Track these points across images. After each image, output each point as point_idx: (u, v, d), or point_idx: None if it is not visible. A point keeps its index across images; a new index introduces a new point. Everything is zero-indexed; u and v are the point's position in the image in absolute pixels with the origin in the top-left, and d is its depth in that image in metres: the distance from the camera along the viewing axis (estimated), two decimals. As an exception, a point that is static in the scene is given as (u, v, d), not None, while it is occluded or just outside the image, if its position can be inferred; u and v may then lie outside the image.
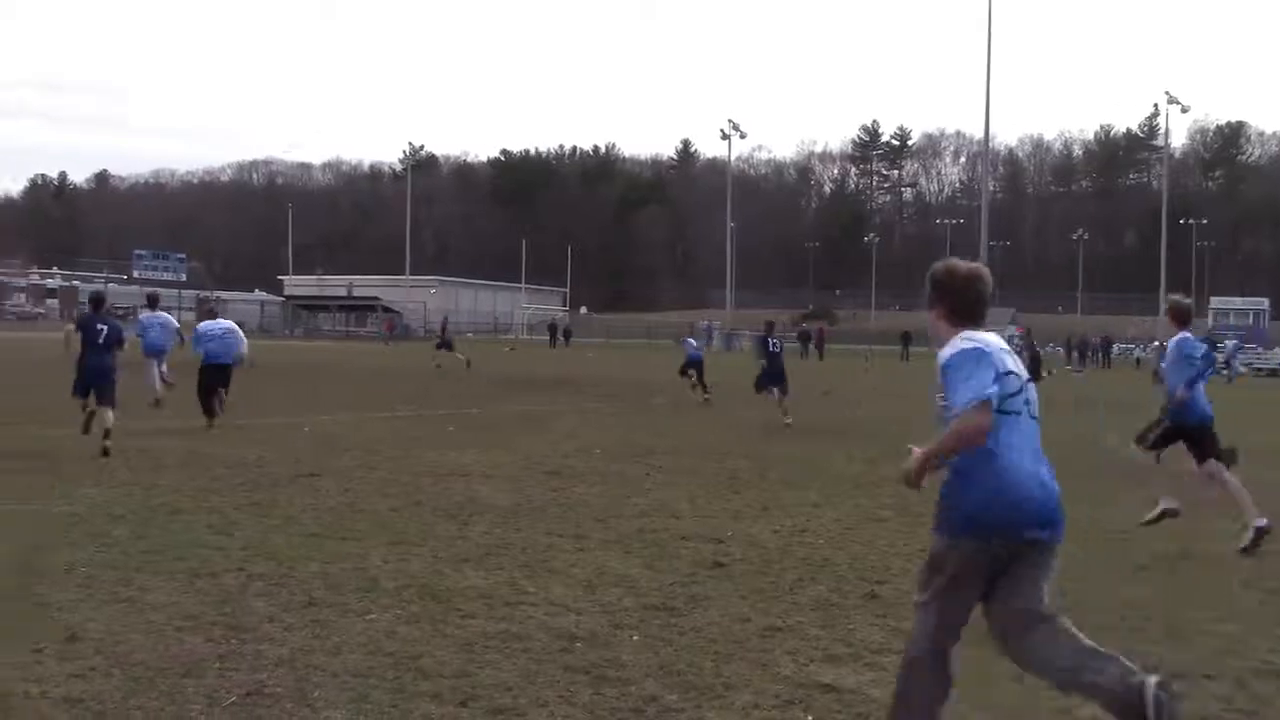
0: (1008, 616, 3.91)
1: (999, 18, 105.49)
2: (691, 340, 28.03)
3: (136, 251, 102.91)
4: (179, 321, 20.27)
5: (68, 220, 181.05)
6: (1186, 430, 8.78)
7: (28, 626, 5.49)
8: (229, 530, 8.06)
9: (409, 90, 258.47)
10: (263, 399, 21.07)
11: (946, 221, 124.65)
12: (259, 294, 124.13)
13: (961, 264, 4.25)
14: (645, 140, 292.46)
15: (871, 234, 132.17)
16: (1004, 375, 3.86)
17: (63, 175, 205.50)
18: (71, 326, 13.31)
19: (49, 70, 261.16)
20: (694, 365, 25.33)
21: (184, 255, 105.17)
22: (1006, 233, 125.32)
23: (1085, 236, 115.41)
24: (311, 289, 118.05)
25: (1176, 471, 9.07)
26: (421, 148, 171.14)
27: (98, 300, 13.92)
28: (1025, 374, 4.03)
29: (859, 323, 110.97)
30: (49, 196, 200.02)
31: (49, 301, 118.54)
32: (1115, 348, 67.00)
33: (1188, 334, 8.91)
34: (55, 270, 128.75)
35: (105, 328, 12.90)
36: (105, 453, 11.92)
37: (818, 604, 6.39)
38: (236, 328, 16.62)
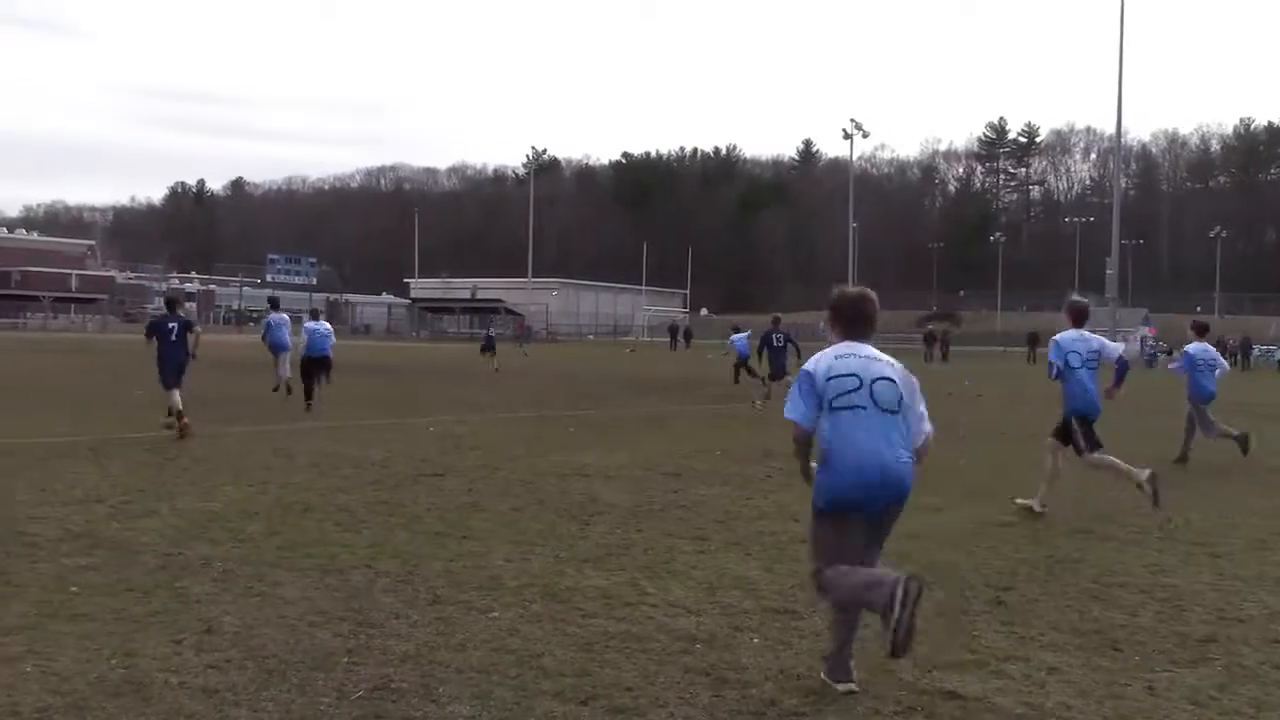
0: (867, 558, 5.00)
1: (1132, 8, 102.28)
2: (739, 336, 27.00)
3: (270, 256, 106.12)
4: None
5: (205, 226, 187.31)
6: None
7: (169, 618, 5.70)
8: (357, 528, 8.26)
9: (532, 95, 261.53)
10: (389, 400, 21.54)
11: (1076, 220, 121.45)
12: (386, 297, 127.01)
13: (850, 290, 5.33)
14: (766, 141, 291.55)
15: (997, 233, 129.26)
16: (836, 378, 4.93)
17: (201, 182, 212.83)
18: (150, 338, 15.18)
19: (188, 80, 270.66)
20: (746, 362, 24.76)
21: (314, 259, 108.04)
22: (1140, 231, 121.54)
23: (1223, 234, 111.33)
24: (436, 292, 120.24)
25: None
26: (544, 151, 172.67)
27: (171, 302, 16.81)
28: (872, 375, 4.95)
29: (984, 324, 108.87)
30: (188, 203, 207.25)
31: (188, 305, 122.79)
32: (1255, 349, 64.54)
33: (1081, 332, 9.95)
34: (193, 274, 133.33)
35: (175, 325, 15.04)
36: (182, 432, 13.77)
37: (940, 610, 6.29)
38: (331, 329, 19.52)
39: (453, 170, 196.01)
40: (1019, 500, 9.87)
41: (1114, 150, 79.16)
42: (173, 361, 14.70)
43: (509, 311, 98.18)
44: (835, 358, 5.04)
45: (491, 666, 5.05)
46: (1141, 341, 75.49)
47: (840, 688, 4.87)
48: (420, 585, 6.52)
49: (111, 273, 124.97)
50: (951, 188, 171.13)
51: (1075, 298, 10.49)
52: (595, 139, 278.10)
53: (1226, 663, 5.43)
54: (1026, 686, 4.99)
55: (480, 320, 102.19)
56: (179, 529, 8.06)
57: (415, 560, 7.17)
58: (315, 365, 18.49)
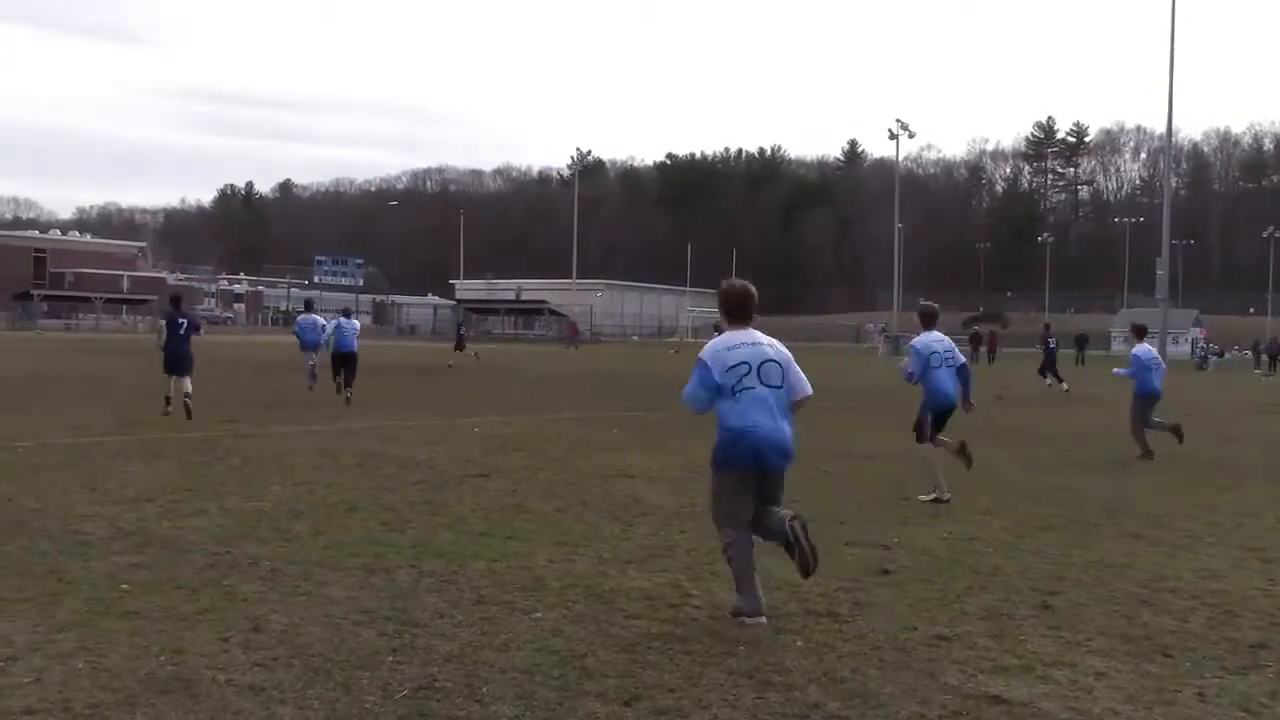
0: (757, 508, 6.11)
1: (1184, 6, 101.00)
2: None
3: (317, 257, 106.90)
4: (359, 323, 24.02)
5: (254, 227, 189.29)
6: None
7: (217, 616, 5.77)
8: (402, 528, 8.31)
9: (578, 96, 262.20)
10: (433, 401, 21.66)
11: (1125, 220, 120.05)
12: (431, 298, 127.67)
13: (735, 285, 6.37)
14: (811, 142, 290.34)
15: (1045, 234, 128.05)
16: (732, 368, 6.05)
17: (249, 184, 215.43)
18: (161, 322, 17.16)
19: (237, 84, 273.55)
20: None
21: (361, 261, 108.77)
22: (1191, 231, 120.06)
23: (1277, 234, 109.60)
24: (481, 293, 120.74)
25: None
26: (589, 153, 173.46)
27: (177, 298, 18.41)
28: (759, 359, 6.07)
29: (1031, 325, 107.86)
30: (237, 205, 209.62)
31: (236, 306, 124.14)
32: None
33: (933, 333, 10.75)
34: (242, 276, 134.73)
35: (185, 320, 16.81)
36: (188, 411, 15.70)
37: (987, 613, 6.24)
38: (359, 326, 21.97)
39: (498, 172, 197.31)
40: (921, 497, 10.28)
41: (1165, 149, 78.18)
42: (175, 353, 16.37)
43: (553, 312, 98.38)
44: (727, 349, 6.14)
45: (535, 667, 5.06)
46: (1192, 344, 74.53)
47: (749, 621, 5.86)
48: (464, 585, 6.55)
49: (162, 274, 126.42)
50: (999, 188, 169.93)
51: (925, 302, 11.22)
52: (640, 140, 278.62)
53: (1279, 670, 5.35)
54: (1073, 692, 4.94)
55: (524, 322, 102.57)
56: (227, 528, 8.15)
57: (459, 560, 7.20)
58: (342, 358, 20.61)
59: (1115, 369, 16.95)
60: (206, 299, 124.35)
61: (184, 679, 4.77)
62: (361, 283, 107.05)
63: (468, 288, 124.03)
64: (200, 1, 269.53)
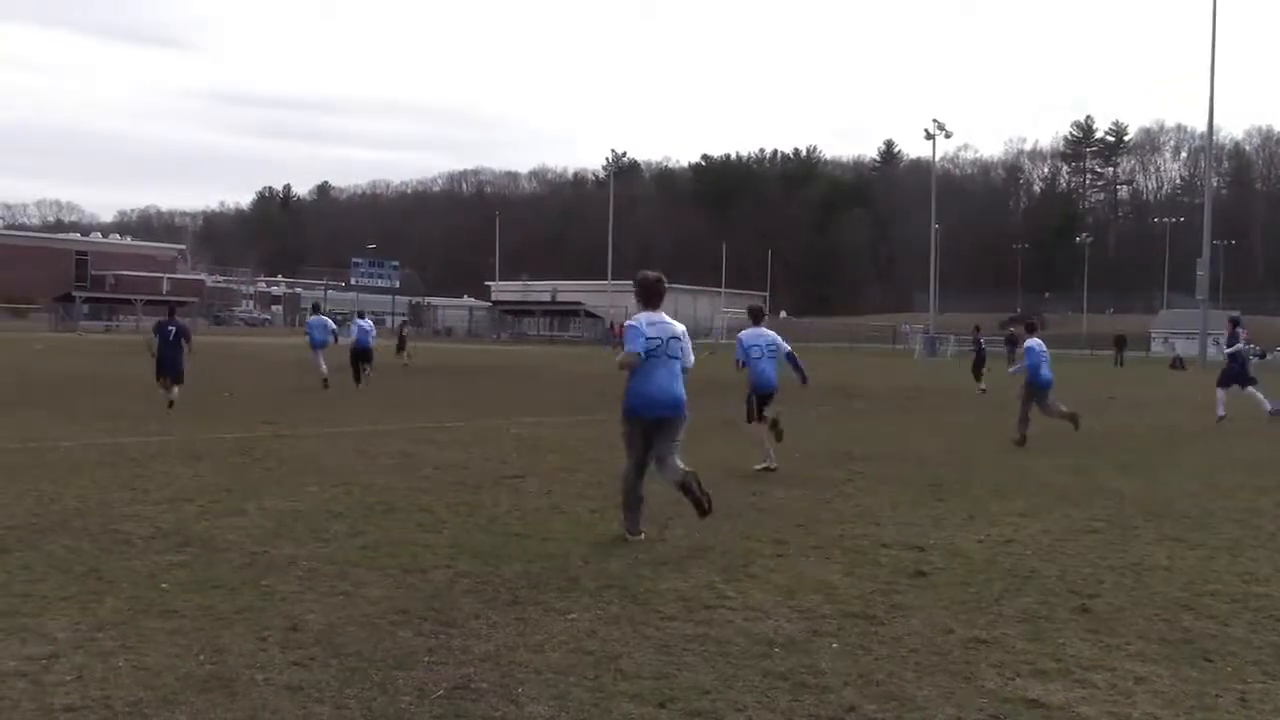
0: (655, 455, 8.10)
1: (1225, 4, 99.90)
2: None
3: (354, 259, 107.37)
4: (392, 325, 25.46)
5: (292, 230, 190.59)
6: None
7: (255, 616, 5.81)
8: (438, 528, 8.35)
9: (613, 98, 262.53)
10: (470, 402, 21.74)
11: (1165, 220, 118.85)
12: (467, 300, 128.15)
13: (649, 275, 8.18)
14: (847, 142, 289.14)
15: (1084, 234, 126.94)
16: (648, 340, 7.92)
17: (287, 187, 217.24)
18: (153, 337, 18.84)
19: (275, 87, 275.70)
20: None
21: (397, 263, 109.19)
22: (1232, 231, 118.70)
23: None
24: (517, 294, 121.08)
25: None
26: (624, 154, 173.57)
27: (171, 309, 20.65)
28: (668, 335, 8.05)
29: (1069, 326, 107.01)
30: (275, 208, 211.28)
31: (274, 308, 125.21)
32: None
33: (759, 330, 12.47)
34: (279, 278, 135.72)
35: (174, 328, 18.62)
36: (170, 405, 17.63)
37: (1024, 616, 6.19)
38: (374, 326, 25.71)
39: (533, 174, 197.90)
40: (755, 466, 12.02)
41: (1206, 148, 77.35)
42: (166, 359, 18.35)
43: (588, 314, 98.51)
44: (648, 324, 8.03)
45: (570, 668, 5.07)
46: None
47: (631, 537, 8.03)
48: (500, 586, 6.57)
49: (201, 276, 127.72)
50: (1036, 188, 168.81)
51: (752, 303, 13.49)
52: (675, 141, 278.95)
53: (1323, 675, 5.28)
54: (1112, 696, 4.89)
55: (559, 323, 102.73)
56: (265, 528, 8.21)
57: (495, 561, 7.23)
58: (359, 355, 24.48)
59: (1010, 368, 19.26)
60: (245, 300, 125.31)
61: (223, 678, 4.81)
62: (398, 284, 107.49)
63: (504, 289, 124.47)
64: (240, 4, 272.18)
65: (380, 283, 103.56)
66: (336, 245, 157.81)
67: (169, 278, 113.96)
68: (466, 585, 6.57)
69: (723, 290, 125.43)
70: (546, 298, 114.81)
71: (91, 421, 15.58)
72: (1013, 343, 60.62)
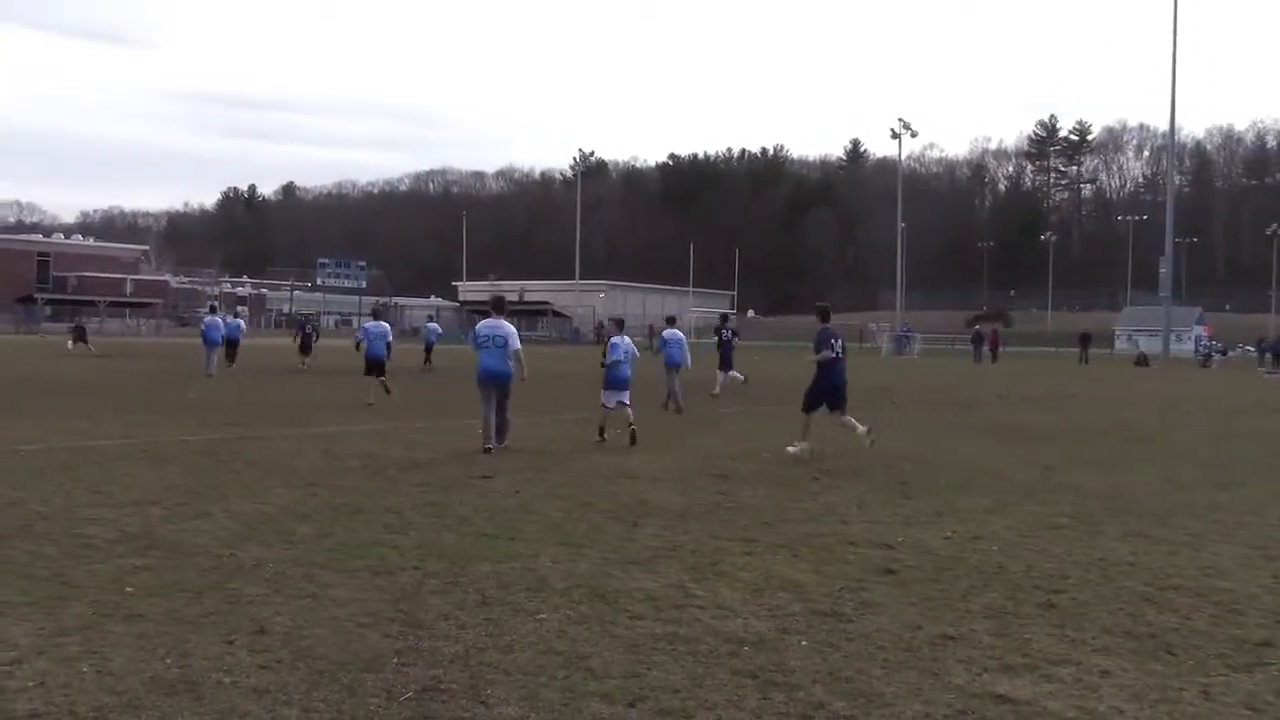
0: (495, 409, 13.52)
1: (1185, 2, 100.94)
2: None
3: (320, 260, 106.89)
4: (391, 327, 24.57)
5: (257, 231, 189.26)
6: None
7: (222, 619, 5.77)
8: (405, 530, 8.32)
9: (580, 98, 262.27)
10: (436, 402, 21.67)
11: (1129, 218, 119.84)
12: (434, 299, 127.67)
13: (496, 292, 15.85)
14: (814, 141, 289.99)
15: (1048, 232, 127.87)
16: (484, 335, 13.57)
17: (252, 188, 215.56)
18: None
19: (239, 87, 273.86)
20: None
21: (364, 263, 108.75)
22: (1194, 229, 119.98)
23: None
24: (485, 294, 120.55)
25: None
26: (591, 154, 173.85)
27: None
28: (495, 332, 13.47)
29: (1034, 324, 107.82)
30: (240, 208, 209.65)
31: (239, 309, 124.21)
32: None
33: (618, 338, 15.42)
34: (245, 278, 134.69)
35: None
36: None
37: (991, 612, 6.24)
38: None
39: (500, 174, 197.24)
40: (596, 439, 14.74)
41: (1168, 147, 78.10)
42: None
43: (556, 313, 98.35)
44: (483, 325, 13.68)
45: (539, 668, 5.07)
46: (1196, 341, 74.43)
47: (487, 445, 13.01)
48: (468, 587, 6.55)
49: (165, 277, 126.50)
50: (1001, 187, 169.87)
51: (494, 294, 16.45)
52: (642, 141, 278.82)
53: (1284, 667, 5.34)
54: (1078, 690, 4.94)
55: (527, 322, 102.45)
56: (231, 531, 8.15)
57: (463, 562, 7.21)
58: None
59: (657, 348, 22.26)
60: (210, 301, 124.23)
61: (189, 682, 4.78)
62: (364, 285, 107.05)
63: (471, 289, 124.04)
64: (203, 3, 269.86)
65: (347, 283, 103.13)
66: (303, 246, 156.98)
67: (133, 279, 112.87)
68: (435, 586, 6.56)
69: (691, 289, 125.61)
70: (514, 297, 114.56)
71: (54, 424, 15.42)
72: (978, 340, 61.32)
